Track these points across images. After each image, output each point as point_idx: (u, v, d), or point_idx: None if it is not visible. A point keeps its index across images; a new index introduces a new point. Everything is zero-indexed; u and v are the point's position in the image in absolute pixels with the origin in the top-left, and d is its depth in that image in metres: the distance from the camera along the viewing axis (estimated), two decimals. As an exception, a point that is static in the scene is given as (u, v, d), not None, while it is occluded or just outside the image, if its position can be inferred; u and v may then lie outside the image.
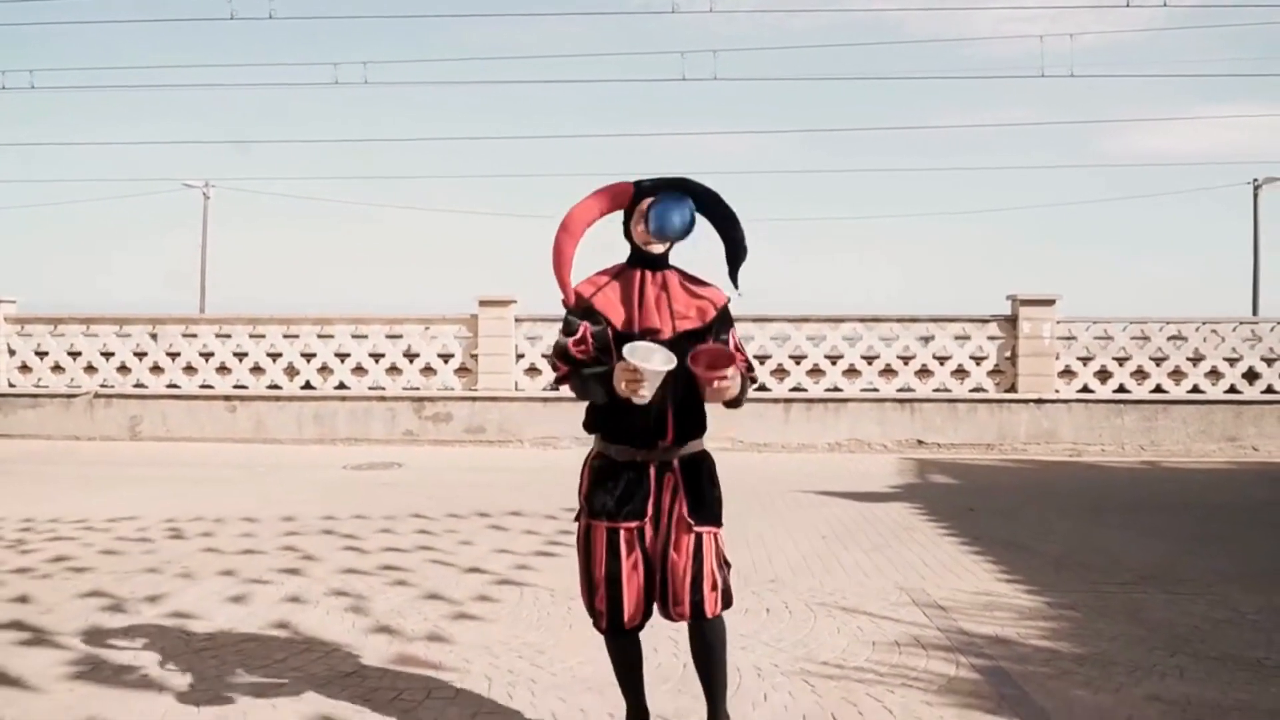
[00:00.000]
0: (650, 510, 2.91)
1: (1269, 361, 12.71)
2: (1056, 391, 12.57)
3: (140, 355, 13.34)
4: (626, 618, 2.94)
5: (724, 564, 3.00)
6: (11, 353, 13.45)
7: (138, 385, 13.24)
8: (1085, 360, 12.75)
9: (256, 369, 13.21)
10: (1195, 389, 12.63)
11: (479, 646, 4.16)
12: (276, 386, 13.15)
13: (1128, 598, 5.08)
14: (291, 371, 13.19)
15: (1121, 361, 12.75)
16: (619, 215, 2.99)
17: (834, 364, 12.69)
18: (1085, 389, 12.68)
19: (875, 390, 12.70)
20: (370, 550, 6.16)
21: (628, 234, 2.99)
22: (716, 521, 2.98)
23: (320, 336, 13.23)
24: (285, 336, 13.25)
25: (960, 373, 12.76)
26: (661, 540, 2.92)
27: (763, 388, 12.07)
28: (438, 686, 3.67)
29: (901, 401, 12.56)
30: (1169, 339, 12.76)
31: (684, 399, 2.89)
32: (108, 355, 13.35)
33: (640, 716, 3.16)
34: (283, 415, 12.96)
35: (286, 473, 9.99)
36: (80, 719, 3.35)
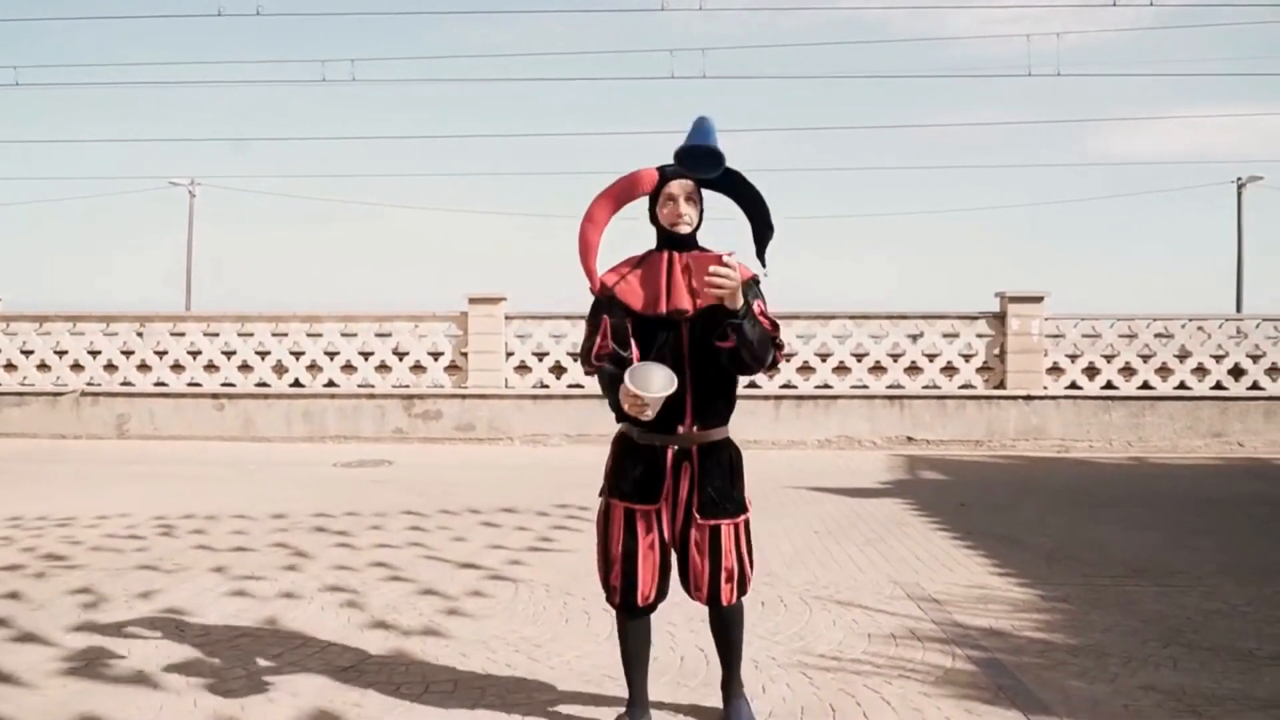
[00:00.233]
0: (664, 495, 2.97)
1: (1254, 358, 12.80)
2: (1045, 388, 12.63)
3: (127, 353, 13.26)
4: (640, 596, 3.00)
5: (745, 554, 3.03)
6: (-3, 351, 13.36)
7: (125, 383, 13.16)
8: (1073, 357, 12.82)
9: (245, 367, 13.15)
10: (1182, 385, 12.72)
11: (475, 641, 4.15)
12: (265, 384, 13.09)
13: (1120, 590, 5.11)
14: (280, 369, 13.13)
15: (1109, 358, 12.82)
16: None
17: (824, 361, 12.72)
18: (1073, 385, 12.75)
19: (865, 387, 12.74)
20: (362, 547, 6.13)
21: (654, 218, 3.02)
22: (735, 513, 3.01)
23: (309, 335, 13.18)
24: (274, 335, 13.20)
25: (949, 369, 12.81)
26: (680, 526, 3.00)
27: (753, 384, 12.09)
28: (435, 681, 3.66)
29: (891, 398, 12.59)
30: (1156, 336, 12.84)
31: (703, 384, 2.93)
32: (94, 353, 13.27)
33: (640, 706, 3.16)
34: (271, 413, 12.91)
35: (276, 470, 9.95)
36: (74, 714, 3.33)
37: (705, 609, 3.14)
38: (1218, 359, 12.76)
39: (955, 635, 4.27)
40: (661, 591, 3.05)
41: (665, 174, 2.97)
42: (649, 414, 2.78)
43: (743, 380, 3.24)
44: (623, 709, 3.21)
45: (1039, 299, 12.67)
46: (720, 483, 2.99)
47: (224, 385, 13.11)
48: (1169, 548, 6.24)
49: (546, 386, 12.93)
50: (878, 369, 12.82)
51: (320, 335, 13.15)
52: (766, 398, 12.45)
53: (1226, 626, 4.43)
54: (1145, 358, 12.80)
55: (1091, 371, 12.82)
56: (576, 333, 13.02)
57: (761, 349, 2.86)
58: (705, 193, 3.04)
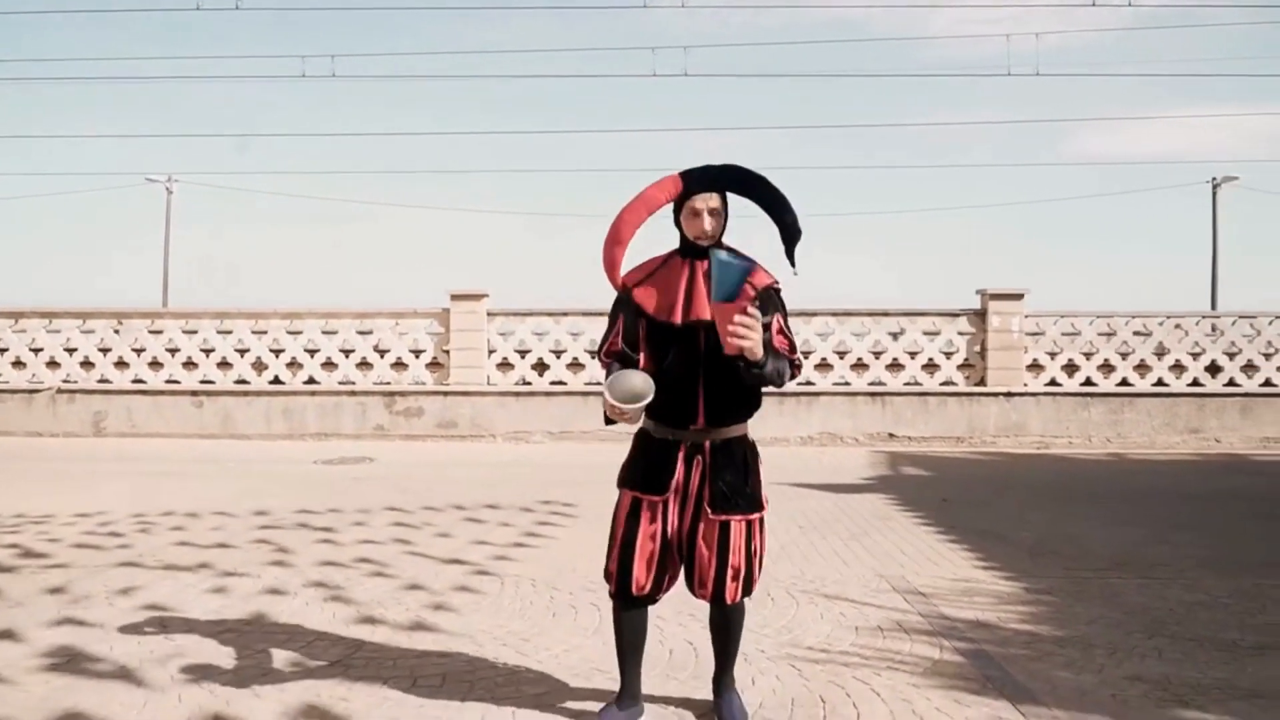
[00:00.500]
0: (672, 490, 2.98)
1: (1230, 355, 12.94)
2: (1025, 385, 12.72)
3: (104, 350, 13.12)
4: (635, 584, 3.00)
5: (754, 553, 3.02)
6: (-29, 348, 13.18)
7: (102, 381, 13.03)
8: (1053, 354, 12.92)
9: (224, 364, 13.05)
10: (1160, 382, 12.84)
11: (463, 635, 4.13)
12: (244, 381, 13.00)
13: (1103, 583, 5.15)
14: (260, 366, 13.04)
15: (1089, 355, 12.93)
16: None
17: (806, 358, 12.75)
18: (1053, 382, 12.84)
19: (847, 384, 12.79)
20: (346, 543, 6.09)
21: (678, 223, 3.03)
22: (748, 509, 3.00)
23: (289, 332, 13.09)
24: (253, 332, 13.10)
25: (931, 366, 12.88)
26: (689, 522, 3.00)
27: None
28: (423, 675, 3.63)
29: (873, 395, 12.65)
30: (1135, 334, 12.96)
31: (717, 382, 2.94)
32: (71, 350, 13.12)
33: (632, 696, 3.16)
34: (251, 410, 12.81)
35: (256, 468, 9.87)
36: (57, 711, 3.28)
37: (697, 602, 3.14)
38: (1195, 356, 12.89)
39: (942, 627, 4.28)
40: (658, 584, 3.04)
41: (690, 183, 2.95)
42: (628, 420, 2.85)
43: None
44: (612, 700, 3.20)
45: (1019, 296, 12.76)
46: (733, 478, 2.98)
47: (203, 382, 13.00)
48: (1149, 542, 6.29)
49: (529, 384, 12.89)
50: (860, 366, 12.88)
51: (300, 332, 13.07)
52: (749, 395, 12.45)
53: (1209, 618, 4.47)
54: (1124, 355, 12.92)
55: (1071, 368, 12.93)
56: (559, 330, 13.01)
57: (779, 379, 2.92)
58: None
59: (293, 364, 13.03)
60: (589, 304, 12.97)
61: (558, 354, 12.95)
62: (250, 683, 3.52)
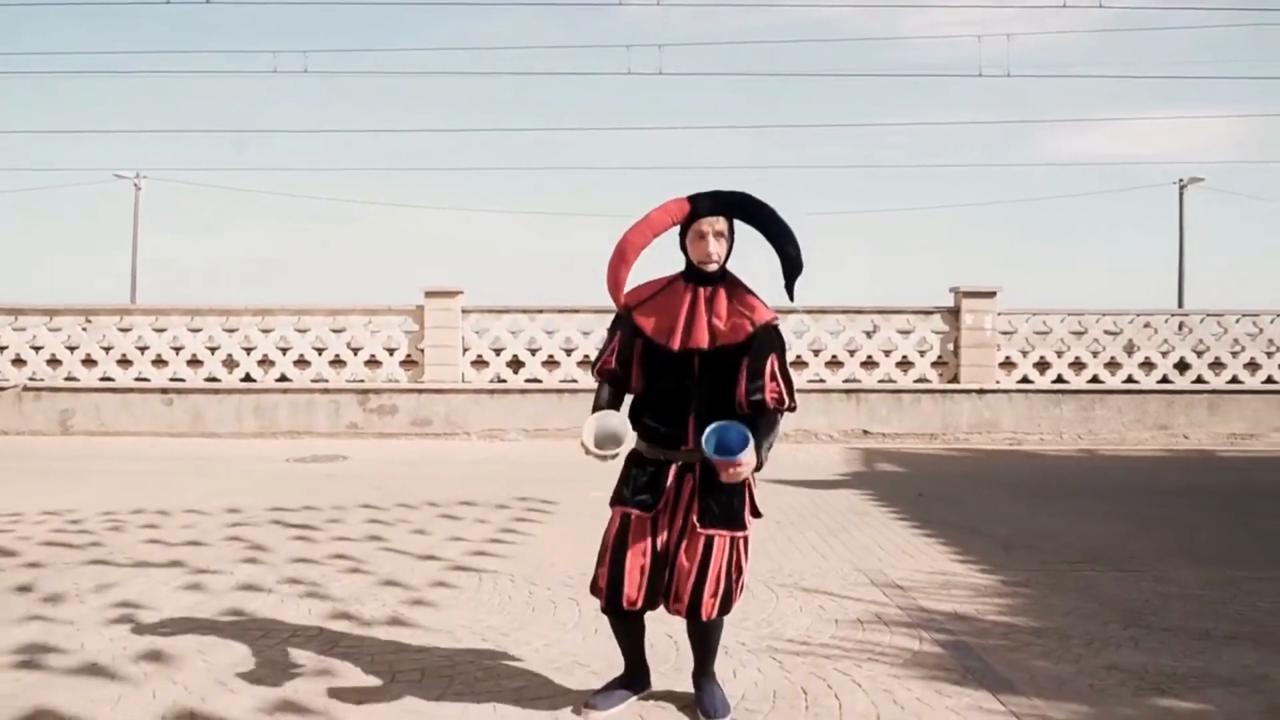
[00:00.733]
0: (662, 505, 3.01)
1: (1199, 353, 13.12)
2: (997, 382, 12.83)
3: (72, 348, 12.93)
4: (625, 600, 3.01)
5: (735, 571, 3.02)
6: (-66, 345, 12.95)
7: (69, 378, 12.84)
8: (1025, 352, 13.04)
9: (194, 361, 12.90)
10: (1130, 379, 12.99)
11: (441, 631, 4.09)
12: (215, 379, 12.86)
13: (1078, 575, 5.19)
14: (231, 364, 12.90)
15: (1060, 353, 13.06)
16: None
17: (781, 355, 12.78)
18: (1025, 380, 12.96)
19: (822, 381, 12.84)
20: (321, 540, 6.03)
21: (684, 246, 3.04)
22: (733, 525, 3.01)
23: (261, 330, 12.95)
24: (225, 330, 12.96)
25: (905, 364, 12.96)
26: (675, 537, 3.01)
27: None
28: (402, 670, 3.59)
29: (848, 392, 12.70)
30: (1105, 331, 13.11)
31: (709, 407, 2.96)
32: (37, 348, 12.92)
33: (639, 673, 3.25)
34: (221, 408, 12.67)
35: (227, 466, 9.76)
36: (26, 707, 3.21)
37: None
38: (1164, 354, 13.06)
39: (920, 619, 4.30)
40: (650, 599, 3.03)
41: (697, 207, 2.97)
42: (606, 458, 2.94)
43: None
44: (597, 688, 3.26)
45: (992, 294, 12.86)
46: (722, 494, 2.99)
47: (173, 380, 12.85)
48: (1122, 535, 6.36)
49: (504, 381, 12.84)
50: (835, 363, 12.93)
51: (272, 330, 12.94)
52: (724, 392, 12.47)
53: (1183, 609, 4.52)
54: (1095, 353, 13.06)
55: (1043, 366, 13.06)
56: (535, 327, 12.97)
57: (773, 445, 3.02)
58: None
59: (264, 361, 12.90)
60: (564, 302, 12.95)
61: (533, 351, 12.91)
62: (225, 679, 3.47)
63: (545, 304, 13.03)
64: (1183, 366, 13.11)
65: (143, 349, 12.90)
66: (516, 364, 12.93)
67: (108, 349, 12.90)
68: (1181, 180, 31.87)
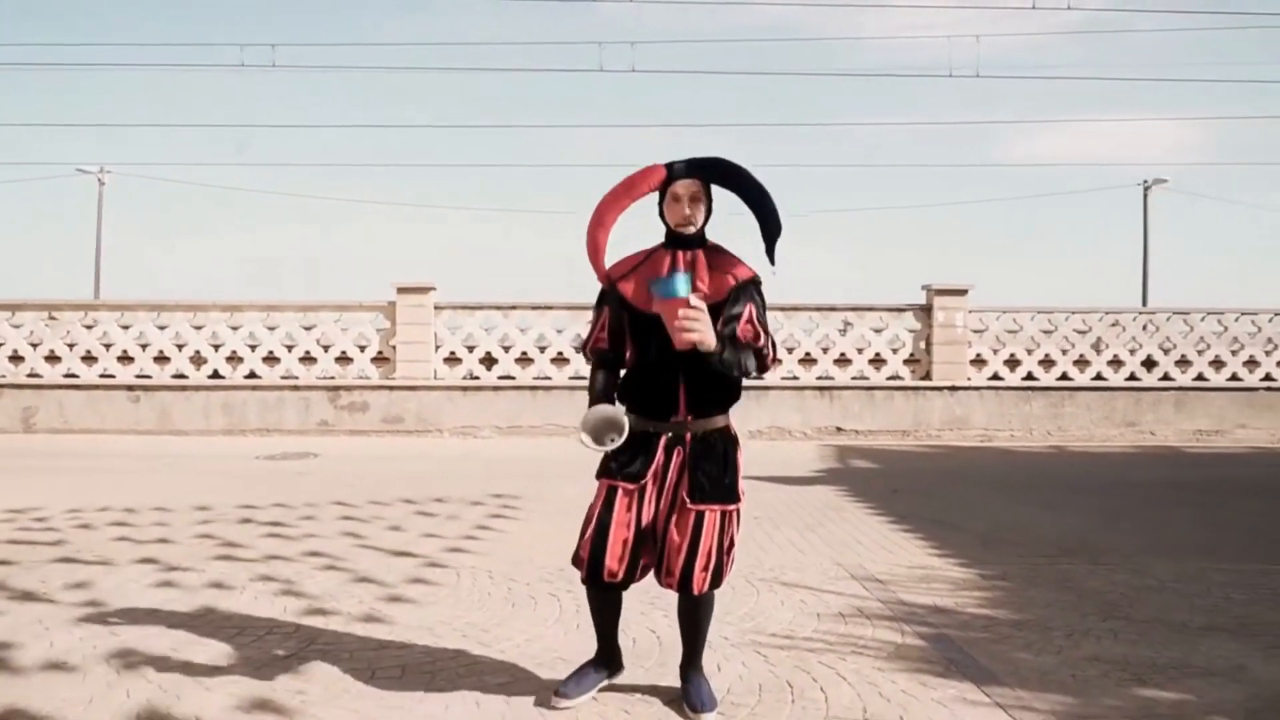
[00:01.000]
0: (650, 477, 2.97)
1: (1165, 350, 13.29)
2: (969, 379, 12.92)
3: (35, 344, 12.69)
4: (605, 571, 2.98)
5: (726, 544, 3.02)
6: (-109, 341, 12.66)
7: (32, 375, 12.60)
8: (996, 349, 13.15)
9: (161, 358, 12.70)
10: (1098, 377, 13.14)
11: (420, 628, 4.04)
12: (183, 376, 12.67)
13: (1055, 569, 5.22)
14: (199, 360, 12.72)
15: (1030, 350, 13.18)
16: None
17: (755, 353, 12.81)
18: (996, 377, 13.07)
19: (795, 378, 12.87)
20: (294, 537, 5.94)
21: (662, 215, 3.02)
22: (724, 500, 2.99)
23: (230, 326, 12.78)
24: (193, 326, 12.76)
25: (878, 361, 13.02)
26: (665, 510, 2.99)
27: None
28: (381, 666, 3.54)
29: (821, 389, 12.74)
30: (1074, 329, 13.25)
31: (697, 377, 2.94)
32: (-2, 344, 12.67)
33: (610, 657, 3.23)
34: (189, 405, 12.48)
35: (196, 464, 9.62)
36: (-5, 709, 3.13)
37: (660, 591, 3.12)
38: (1132, 351, 13.21)
39: (902, 613, 4.30)
40: (631, 573, 3.01)
41: (673, 171, 2.96)
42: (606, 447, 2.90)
43: None
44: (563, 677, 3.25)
45: (963, 292, 12.95)
46: (712, 468, 2.98)
47: (139, 377, 12.64)
48: (1095, 530, 6.42)
49: (477, 378, 12.76)
50: (808, 361, 12.97)
51: (241, 326, 12.77)
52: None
53: (1159, 601, 4.56)
54: (1064, 350, 13.19)
55: (1013, 363, 13.17)
56: (508, 324, 12.89)
57: (744, 366, 2.93)
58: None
59: (233, 358, 12.73)
60: (538, 298, 12.89)
61: (506, 348, 12.83)
62: (200, 676, 3.39)
63: (519, 300, 12.96)
64: (1150, 364, 13.28)
65: (108, 345, 12.68)
66: (490, 361, 12.85)
67: (72, 345, 12.67)
68: (1145, 181, 32.36)
